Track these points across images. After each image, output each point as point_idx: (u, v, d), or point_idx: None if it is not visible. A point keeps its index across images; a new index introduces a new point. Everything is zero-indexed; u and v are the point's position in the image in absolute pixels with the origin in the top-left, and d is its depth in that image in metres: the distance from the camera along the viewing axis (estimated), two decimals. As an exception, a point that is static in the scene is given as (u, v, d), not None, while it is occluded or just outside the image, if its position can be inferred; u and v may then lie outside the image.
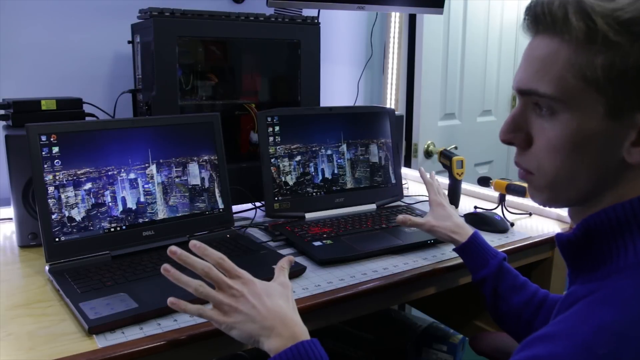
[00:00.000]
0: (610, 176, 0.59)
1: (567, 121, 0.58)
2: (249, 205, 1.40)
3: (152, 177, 1.11)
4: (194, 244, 0.78)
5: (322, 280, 0.99)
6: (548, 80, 0.58)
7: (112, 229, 1.06)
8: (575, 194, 0.62)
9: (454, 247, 1.06)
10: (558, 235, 0.66)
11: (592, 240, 0.60)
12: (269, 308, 0.73)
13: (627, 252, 0.57)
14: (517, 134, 0.64)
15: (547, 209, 1.35)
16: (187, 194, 1.15)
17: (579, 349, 0.50)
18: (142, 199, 1.09)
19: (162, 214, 1.12)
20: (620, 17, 0.54)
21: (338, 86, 2.03)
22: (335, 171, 1.38)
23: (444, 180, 1.48)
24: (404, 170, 1.83)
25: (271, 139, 1.30)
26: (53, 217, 1.00)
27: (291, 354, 0.69)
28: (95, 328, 0.79)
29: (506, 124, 0.64)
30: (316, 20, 1.46)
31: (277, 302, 0.75)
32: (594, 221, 0.60)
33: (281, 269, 0.84)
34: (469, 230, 1.04)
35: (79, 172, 1.03)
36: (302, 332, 0.73)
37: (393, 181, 1.46)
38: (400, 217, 1.09)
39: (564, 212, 1.34)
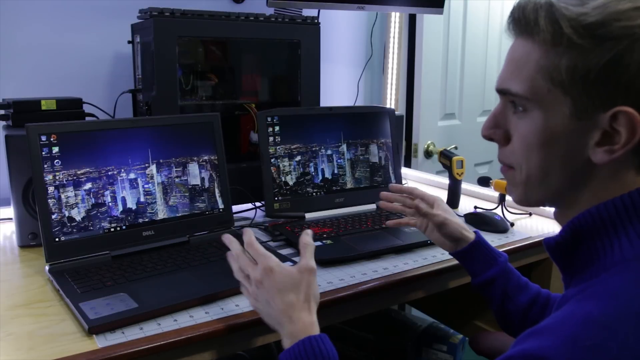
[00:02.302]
0: (580, 176, 0.62)
1: (536, 119, 0.62)
2: (249, 205, 1.40)
3: (152, 177, 1.11)
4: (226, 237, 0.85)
5: (322, 280, 0.99)
6: (520, 80, 0.63)
7: (112, 229, 1.06)
8: (548, 193, 0.65)
9: (457, 248, 1.00)
10: (546, 240, 0.67)
11: (579, 241, 0.62)
12: (278, 306, 0.76)
13: (612, 250, 0.58)
14: (496, 130, 0.68)
15: (547, 208, 1.36)
16: (187, 194, 1.15)
17: (565, 341, 0.51)
18: (142, 199, 1.09)
19: (162, 214, 1.12)
20: (584, 20, 0.56)
21: (338, 86, 2.03)
22: (335, 171, 1.38)
23: (444, 180, 1.48)
24: (404, 170, 1.83)
25: (271, 139, 1.30)
26: (53, 217, 1.00)
27: (297, 350, 0.72)
28: (95, 328, 0.79)
29: (487, 121, 0.69)
30: (316, 20, 1.46)
31: (287, 298, 0.76)
32: (579, 222, 0.62)
33: (304, 246, 0.81)
34: (471, 229, 1.03)
35: (79, 172, 1.03)
36: (307, 329, 0.74)
37: (393, 181, 1.46)
38: (417, 202, 1.04)
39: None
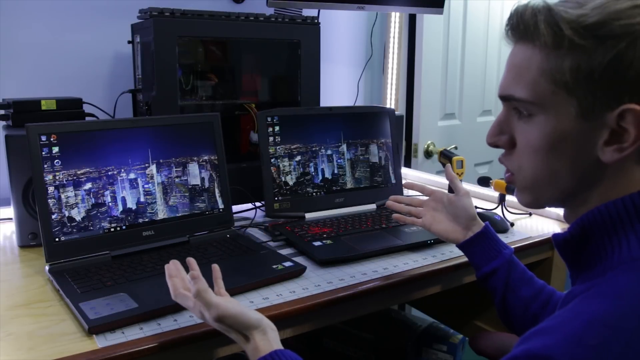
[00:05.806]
0: (589, 175, 0.62)
1: (543, 123, 0.62)
2: (249, 205, 1.40)
3: (152, 177, 1.11)
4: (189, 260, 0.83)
5: (322, 280, 0.99)
6: (523, 85, 0.63)
7: (112, 229, 1.06)
8: (557, 194, 0.66)
9: (467, 236, 0.99)
10: (554, 236, 0.68)
11: (587, 238, 0.63)
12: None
13: (621, 248, 0.58)
14: (501, 136, 0.68)
15: (547, 208, 1.36)
16: (187, 194, 1.15)
17: (570, 340, 0.51)
18: (142, 199, 1.09)
19: (162, 214, 1.12)
20: (585, 21, 0.57)
21: (338, 86, 2.03)
22: (335, 171, 1.38)
23: (444, 180, 1.48)
24: (404, 170, 1.83)
25: (271, 139, 1.30)
26: (53, 217, 1.00)
27: None
28: (95, 328, 0.79)
29: (492, 128, 0.69)
30: (316, 20, 1.46)
31: (232, 337, 0.78)
32: (587, 219, 0.62)
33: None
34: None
35: (79, 172, 1.03)
36: (255, 354, 0.74)
37: (393, 181, 1.46)
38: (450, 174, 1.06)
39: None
